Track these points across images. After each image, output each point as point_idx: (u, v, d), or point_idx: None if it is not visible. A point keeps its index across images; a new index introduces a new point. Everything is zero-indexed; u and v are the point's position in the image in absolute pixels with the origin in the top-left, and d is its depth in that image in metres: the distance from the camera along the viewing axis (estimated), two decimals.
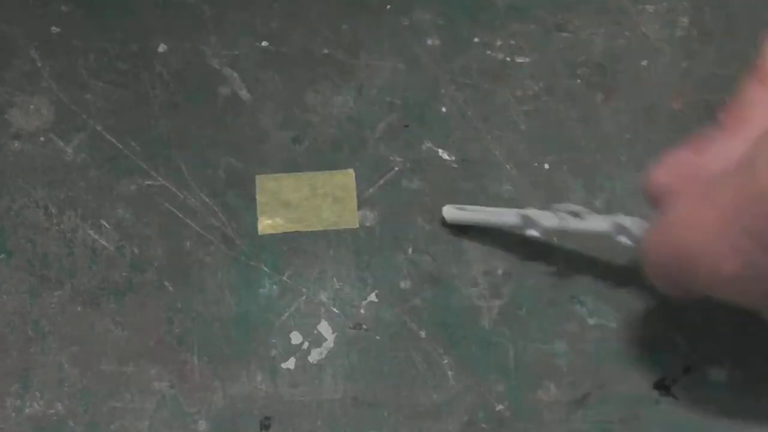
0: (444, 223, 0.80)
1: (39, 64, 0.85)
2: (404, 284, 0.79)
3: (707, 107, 0.84)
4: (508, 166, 0.83)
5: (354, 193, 0.82)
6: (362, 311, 0.79)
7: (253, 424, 0.76)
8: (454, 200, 0.81)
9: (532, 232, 0.76)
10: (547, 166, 0.83)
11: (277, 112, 0.84)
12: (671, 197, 0.65)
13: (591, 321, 0.78)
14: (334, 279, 0.80)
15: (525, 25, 0.87)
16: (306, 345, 0.78)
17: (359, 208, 0.82)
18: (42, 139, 0.83)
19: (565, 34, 0.86)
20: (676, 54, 0.85)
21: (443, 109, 0.84)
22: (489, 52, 0.86)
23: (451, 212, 0.80)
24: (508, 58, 0.86)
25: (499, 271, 0.80)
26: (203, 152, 0.83)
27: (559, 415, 0.75)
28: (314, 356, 0.77)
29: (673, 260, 0.63)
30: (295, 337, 0.78)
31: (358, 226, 0.81)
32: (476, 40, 0.86)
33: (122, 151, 0.83)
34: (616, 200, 0.81)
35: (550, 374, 0.76)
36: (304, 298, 0.79)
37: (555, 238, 0.80)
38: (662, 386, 0.76)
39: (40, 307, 0.79)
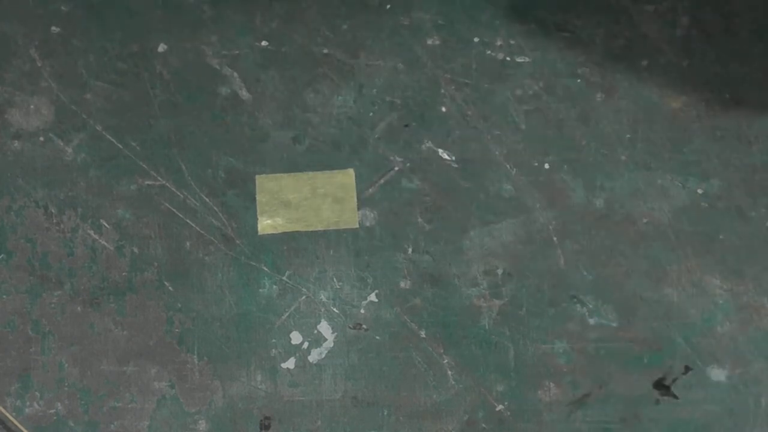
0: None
1: (39, 64, 0.85)
2: (404, 284, 0.79)
3: (707, 107, 0.84)
4: (508, 166, 0.83)
5: (354, 193, 0.82)
6: (362, 311, 0.79)
7: (253, 424, 0.76)
8: (454, 200, 0.81)
9: None
10: (547, 166, 0.83)
11: (277, 112, 0.84)
12: None
13: (591, 321, 0.78)
14: (334, 279, 0.80)
15: (525, 25, 0.86)
16: (306, 345, 0.78)
17: (359, 208, 0.82)
18: (42, 139, 0.83)
19: (565, 34, 0.86)
20: (676, 54, 0.85)
21: (443, 109, 0.84)
22: (489, 52, 0.86)
23: None
24: (508, 58, 0.86)
25: (499, 271, 0.80)
26: (203, 152, 0.83)
27: (559, 415, 0.75)
28: (314, 356, 0.77)
29: None
30: (295, 337, 0.78)
31: (358, 226, 0.81)
32: (476, 40, 0.86)
33: (122, 151, 0.83)
34: (616, 200, 0.81)
35: (550, 374, 0.76)
36: (304, 298, 0.79)
37: (555, 238, 0.80)
38: (662, 386, 0.76)
39: (40, 307, 0.79)
